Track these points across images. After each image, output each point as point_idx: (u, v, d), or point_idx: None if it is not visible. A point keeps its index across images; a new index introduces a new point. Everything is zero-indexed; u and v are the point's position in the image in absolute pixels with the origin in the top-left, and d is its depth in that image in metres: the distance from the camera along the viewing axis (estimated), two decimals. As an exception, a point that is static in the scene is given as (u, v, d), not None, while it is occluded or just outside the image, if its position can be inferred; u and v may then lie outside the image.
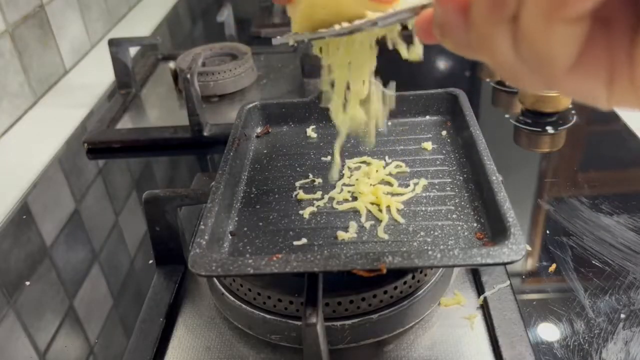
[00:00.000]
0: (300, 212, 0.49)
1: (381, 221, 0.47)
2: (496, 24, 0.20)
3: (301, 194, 0.51)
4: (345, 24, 0.34)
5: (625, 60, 0.18)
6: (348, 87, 0.42)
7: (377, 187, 0.49)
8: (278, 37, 0.39)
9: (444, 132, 0.59)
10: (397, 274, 0.43)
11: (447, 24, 0.23)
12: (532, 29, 0.18)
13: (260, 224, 0.48)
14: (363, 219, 0.47)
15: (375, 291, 0.43)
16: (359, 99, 0.42)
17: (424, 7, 0.28)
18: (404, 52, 0.37)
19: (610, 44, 0.18)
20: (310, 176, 0.53)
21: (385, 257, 0.38)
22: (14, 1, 0.90)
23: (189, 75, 0.74)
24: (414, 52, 0.37)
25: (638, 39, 0.18)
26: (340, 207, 0.48)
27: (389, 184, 0.51)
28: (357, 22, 0.34)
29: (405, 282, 0.44)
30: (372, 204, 0.48)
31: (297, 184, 0.52)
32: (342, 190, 0.50)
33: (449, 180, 0.51)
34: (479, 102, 0.85)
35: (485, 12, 0.20)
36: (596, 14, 0.17)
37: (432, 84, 0.62)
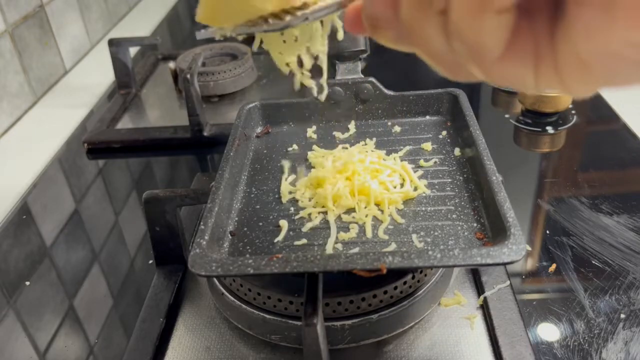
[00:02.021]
0: (300, 212, 0.49)
1: (382, 222, 0.47)
2: (425, 18, 0.20)
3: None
4: (273, 21, 0.33)
5: (547, 47, 0.19)
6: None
7: (381, 183, 0.49)
8: (202, 30, 0.37)
9: (444, 132, 0.59)
10: (397, 274, 0.43)
11: (377, 18, 0.23)
12: (462, 22, 0.19)
13: (260, 224, 0.48)
14: (362, 218, 0.47)
15: (375, 291, 0.43)
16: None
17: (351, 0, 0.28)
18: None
19: (533, 32, 0.19)
20: (310, 176, 0.53)
21: (385, 257, 0.38)
22: (14, 1, 0.90)
23: (189, 75, 0.74)
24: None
25: (557, 27, 0.19)
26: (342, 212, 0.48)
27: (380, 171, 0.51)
28: (288, 19, 0.33)
29: (405, 282, 0.44)
30: (376, 204, 0.48)
31: (297, 183, 0.52)
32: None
33: (449, 180, 0.51)
34: (479, 102, 0.85)
35: (414, 5, 0.20)
36: (519, 5, 0.18)
37: (432, 84, 0.62)
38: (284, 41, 0.39)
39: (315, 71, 0.41)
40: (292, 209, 0.49)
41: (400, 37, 0.22)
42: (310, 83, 0.41)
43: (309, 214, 0.48)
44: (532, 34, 0.19)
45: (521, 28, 0.19)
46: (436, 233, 0.45)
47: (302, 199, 0.50)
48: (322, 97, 0.42)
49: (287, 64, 0.41)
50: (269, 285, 0.44)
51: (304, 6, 0.33)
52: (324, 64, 0.40)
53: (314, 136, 0.61)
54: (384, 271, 0.38)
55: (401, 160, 0.54)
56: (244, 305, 0.45)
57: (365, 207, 0.48)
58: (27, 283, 0.57)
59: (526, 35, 0.19)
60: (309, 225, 0.47)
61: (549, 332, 0.47)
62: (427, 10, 0.20)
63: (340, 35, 0.39)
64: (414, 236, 0.45)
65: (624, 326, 0.47)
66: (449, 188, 0.50)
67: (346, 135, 0.60)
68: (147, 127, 0.83)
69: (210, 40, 0.97)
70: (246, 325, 0.46)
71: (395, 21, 0.22)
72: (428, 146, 0.56)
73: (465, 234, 0.45)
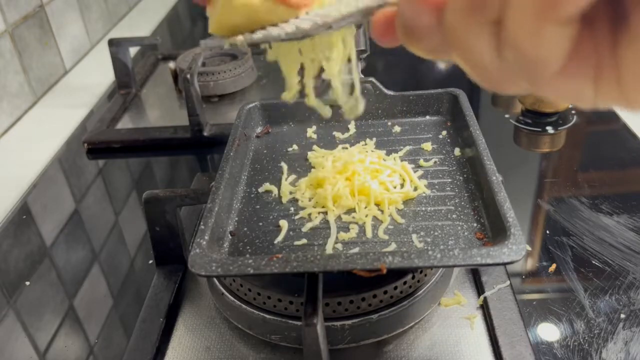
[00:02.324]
0: (300, 212, 0.49)
1: (382, 222, 0.47)
2: (475, 26, 0.19)
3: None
4: (290, 27, 0.30)
5: (610, 59, 0.18)
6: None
7: (381, 183, 0.49)
8: (207, 39, 0.36)
9: (444, 132, 0.59)
10: (397, 274, 0.43)
11: (417, 26, 0.21)
12: (520, 32, 0.18)
13: (260, 224, 0.48)
14: (361, 217, 0.47)
15: (375, 291, 0.43)
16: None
17: (380, 6, 0.26)
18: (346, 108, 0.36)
19: (595, 43, 0.18)
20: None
21: (385, 257, 0.38)
22: (14, 1, 0.90)
23: (189, 75, 0.74)
24: (356, 108, 0.36)
25: (620, 38, 0.17)
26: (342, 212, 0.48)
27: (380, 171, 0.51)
28: (305, 25, 0.30)
29: (405, 282, 0.44)
30: (376, 204, 0.48)
31: (297, 183, 0.52)
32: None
33: (449, 180, 0.51)
34: (479, 102, 0.85)
35: (463, 13, 0.19)
36: (582, 14, 0.17)
37: (432, 84, 0.62)
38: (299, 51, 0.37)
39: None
40: (292, 209, 0.49)
41: (439, 47, 0.21)
42: (316, 103, 0.38)
43: (309, 214, 0.48)
44: (593, 45, 0.18)
45: (583, 39, 0.18)
46: (436, 233, 0.45)
47: (302, 199, 0.50)
48: (357, 110, 0.38)
49: (299, 81, 0.38)
50: (269, 285, 0.44)
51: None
52: (355, 77, 0.37)
53: (314, 136, 0.61)
54: (384, 271, 0.38)
55: (401, 160, 0.54)
56: (244, 305, 0.45)
57: (365, 207, 0.48)
58: (27, 283, 0.57)
59: (587, 46, 0.18)
60: (309, 225, 0.47)
61: (549, 332, 0.47)
62: (477, 18, 0.18)
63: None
64: (414, 236, 0.45)
65: (624, 326, 0.47)
66: (449, 188, 0.50)
67: (346, 135, 0.60)
68: (147, 127, 0.83)
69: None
70: (246, 325, 0.46)
71: (436, 29, 0.20)
72: (428, 146, 0.56)
73: (465, 234, 0.45)
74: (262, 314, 0.44)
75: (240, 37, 0.33)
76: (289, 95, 0.38)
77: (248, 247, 0.46)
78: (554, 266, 0.53)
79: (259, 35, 0.32)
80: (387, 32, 0.24)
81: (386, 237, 0.45)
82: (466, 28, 0.19)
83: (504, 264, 0.41)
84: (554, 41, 0.17)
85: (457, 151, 0.55)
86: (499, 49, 0.19)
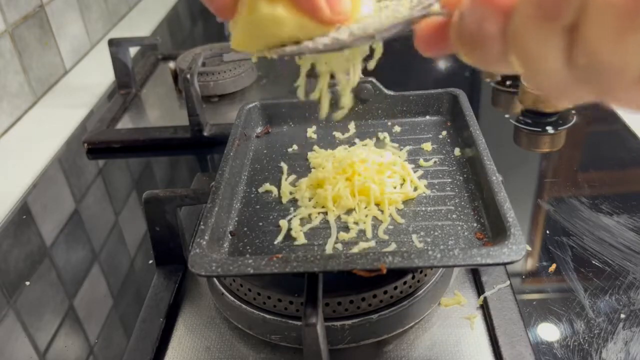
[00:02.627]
0: (300, 212, 0.49)
1: (382, 222, 0.47)
2: (547, 33, 0.18)
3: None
4: (326, 40, 0.29)
5: None
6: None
7: (381, 183, 0.49)
8: (232, 52, 0.35)
9: (444, 132, 0.59)
10: (397, 274, 0.43)
11: (479, 33, 0.20)
12: (599, 39, 0.17)
13: (260, 224, 0.48)
14: (362, 217, 0.47)
15: (375, 291, 0.43)
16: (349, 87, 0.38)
17: (424, 16, 0.25)
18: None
19: None
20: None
21: (385, 257, 0.38)
22: (14, 1, 0.90)
23: (189, 75, 0.74)
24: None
25: None
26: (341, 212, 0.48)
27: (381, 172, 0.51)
28: (344, 36, 0.29)
29: (405, 282, 0.44)
30: (376, 204, 0.48)
31: (297, 183, 0.52)
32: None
33: (449, 180, 0.51)
34: (479, 102, 0.85)
35: (534, 19, 0.18)
36: None
37: (432, 84, 0.62)
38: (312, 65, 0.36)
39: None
40: (292, 209, 0.49)
41: (500, 55, 0.20)
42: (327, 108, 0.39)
43: (309, 214, 0.48)
44: None
45: None
46: (436, 233, 0.45)
47: (302, 199, 0.50)
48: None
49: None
50: (269, 285, 0.44)
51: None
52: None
53: (314, 136, 0.61)
54: (384, 271, 0.38)
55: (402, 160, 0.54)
56: (244, 305, 0.45)
57: (365, 208, 0.48)
58: (27, 283, 0.57)
59: None
60: (309, 225, 0.47)
61: (549, 332, 0.47)
62: (549, 24, 0.18)
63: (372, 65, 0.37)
64: (414, 236, 0.45)
65: (624, 326, 0.47)
66: (449, 188, 0.50)
67: (346, 135, 0.60)
68: (147, 127, 0.83)
69: (211, 40, 0.97)
70: (246, 325, 0.46)
71: (499, 36, 0.19)
72: (428, 146, 0.56)
73: (465, 234, 0.45)
74: (262, 314, 0.44)
75: (272, 50, 0.31)
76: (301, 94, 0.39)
77: (248, 247, 0.46)
78: (554, 266, 0.53)
79: (292, 48, 0.30)
80: (435, 42, 0.23)
81: (386, 237, 0.45)
82: (536, 35, 0.18)
83: (504, 264, 0.41)
84: (635, 49, 0.17)
85: (457, 151, 0.55)
86: (571, 56, 0.18)
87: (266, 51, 0.31)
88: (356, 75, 0.37)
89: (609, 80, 0.18)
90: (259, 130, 0.62)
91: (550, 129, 0.75)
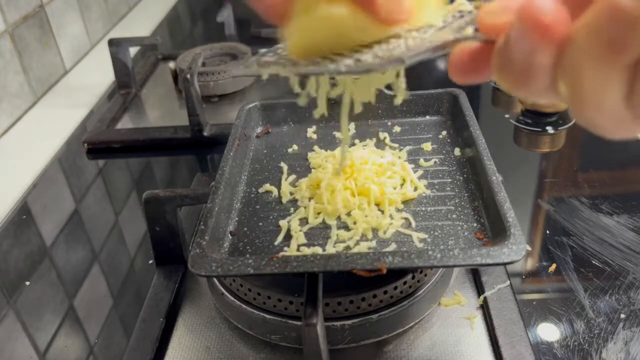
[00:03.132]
0: (300, 212, 0.49)
1: (381, 222, 0.46)
2: (608, 69, 0.16)
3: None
4: (349, 61, 0.26)
5: None
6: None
7: (381, 184, 0.49)
8: (240, 68, 0.33)
9: (444, 132, 0.59)
10: (397, 274, 0.43)
11: (528, 64, 0.18)
12: None
13: (260, 224, 0.48)
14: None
15: (375, 291, 0.43)
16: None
17: (457, 40, 0.23)
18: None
19: None
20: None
21: (385, 257, 0.38)
22: (14, 1, 0.90)
23: (189, 75, 0.74)
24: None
25: None
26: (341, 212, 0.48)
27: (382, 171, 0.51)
28: (369, 58, 0.26)
29: (405, 282, 0.44)
30: (376, 204, 0.48)
31: (297, 183, 0.52)
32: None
33: (449, 180, 0.51)
34: (479, 102, 0.85)
35: (596, 53, 0.16)
36: None
37: (432, 84, 0.62)
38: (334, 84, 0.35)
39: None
40: (292, 209, 0.49)
41: (548, 88, 0.18)
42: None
43: (309, 215, 0.48)
44: None
45: None
46: (436, 233, 0.45)
47: (302, 200, 0.50)
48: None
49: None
50: (269, 285, 0.44)
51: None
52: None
53: (314, 136, 0.61)
54: (384, 271, 0.38)
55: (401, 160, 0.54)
56: (244, 305, 0.45)
57: (365, 208, 0.48)
58: (27, 283, 0.57)
59: None
60: (308, 225, 0.47)
61: (549, 332, 0.47)
62: (613, 60, 0.16)
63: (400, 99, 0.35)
64: (414, 236, 0.45)
65: (624, 326, 0.47)
66: (449, 188, 0.50)
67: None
68: (147, 127, 0.83)
69: (211, 40, 0.97)
70: (246, 325, 0.46)
71: (551, 70, 0.18)
72: (428, 146, 0.56)
73: (465, 234, 0.45)
74: (262, 314, 0.44)
75: (289, 69, 0.29)
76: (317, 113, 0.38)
77: (248, 247, 0.46)
78: (554, 266, 0.53)
79: (312, 67, 0.28)
80: (471, 69, 0.22)
81: (386, 237, 0.45)
82: (596, 69, 0.17)
83: (504, 264, 0.41)
84: None
85: (457, 151, 0.55)
86: (632, 93, 0.17)
87: (282, 69, 0.29)
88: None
89: None
90: (259, 130, 0.62)
91: (550, 129, 0.75)
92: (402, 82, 0.34)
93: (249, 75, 0.31)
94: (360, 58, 0.26)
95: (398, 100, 0.35)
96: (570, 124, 0.76)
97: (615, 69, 0.16)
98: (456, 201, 0.48)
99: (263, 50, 0.33)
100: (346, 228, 0.46)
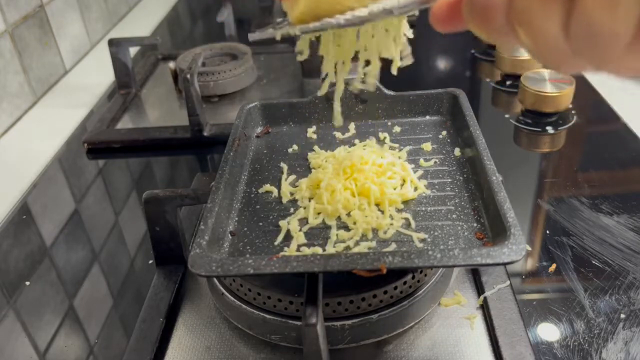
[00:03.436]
0: (300, 212, 0.49)
1: (381, 222, 0.46)
2: (547, 4, 0.20)
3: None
4: (349, 14, 0.31)
5: None
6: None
7: (381, 184, 0.49)
8: (256, 32, 0.37)
9: (444, 132, 0.59)
10: (397, 274, 0.43)
11: (488, 7, 0.22)
12: (593, 9, 0.18)
13: (260, 224, 0.48)
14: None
15: (375, 291, 0.43)
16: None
17: None
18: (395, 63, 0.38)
19: None
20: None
21: (385, 257, 0.38)
22: (14, 1, 0.90)
23: (189, 75, 0.74)
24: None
25: None
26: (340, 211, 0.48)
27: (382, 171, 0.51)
28: (364, 12, 0.31)
29: (405, 282, 0.44)
30: (376, 204, 0.48)
31: (297, 183, 0.52)
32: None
33: (449, 180, 0.51)
34: (479, 102, 0.85)
35: None
36: None
37: (432, 84, 0.62)
38: (338, 45, 0.39)
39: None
40: (292, 209, 0.49)
41: (506, 28, 0.22)
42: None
43: (309, 215, 0.48)
44: None
45: None
46: (436, 233, 0.45)
47: (302, 200, 0.50)
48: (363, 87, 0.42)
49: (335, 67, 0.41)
50: (269, 285, 0.44)
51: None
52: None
53: (314, 136, 0.61)
54: (384, 271, 0.38)
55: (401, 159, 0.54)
56: (244, 305, 0.45)
57: (366, 208, 0.48)
58: (27, 283, 0.57)
59: None
60: (308, 225, 0.47)
61: (549, 332, 0.47)
62: None
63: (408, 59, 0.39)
64: (414, 236, 0.45)
65: (624, 326, 0.47)
66: (449, 188, 0.50)
67: (346, 135, 0.60)
68: (147, 127, 0.83)
69: (211, 40, 0.97)
70: (246, 325, 0.46)
71: (505, 9, 0.21)
72: (428, 146, 0.56)
73: (465, 234, 0.45)
74: (262, 314, 0.44)
75: (296, 28, 0.33)
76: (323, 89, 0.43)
77: (248, 247, 0.46)
78: (554, 266, 0.53)
79: (315, 24, 0.32)
80: (449, 18, 0.25)
81: (386, 237, 0.45)
82: (537, 8, 0.20)
83: (504, 264, 0.41)
84: (627, 15, 0.18)
85: (457, 151, 0.55)
86: (569, 26, 0.20)
87: (290, 28, 0.33)
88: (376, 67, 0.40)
89: (604, 48, 0.19)
90: (259, 130, 0.62)
91: (550, 129, 0.75)
92: (403, 42, 0.39)
93: (265, 38, 0.35)
94: (357, 13, 0.31)
95: (405, 63, 0.39)
96: (570, 124, 0.76)
97: (552, 6, 0.19)
98: (456, 201, 0.48)
99: (278, 20, 0.37)
100: (346, 228, 0.46)
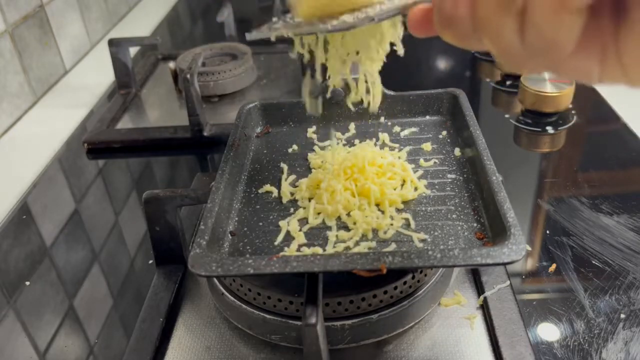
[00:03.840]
0: (300, 212, 0.49)
1: (382, 222, 0.46)
2: (504, 16, 0.22)
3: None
4: (335, 22, 0.35)
5: (612, 43, 0.21)
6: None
7: (381, 184, 0.49)
8: (253, 31, 0.39)
9: (444, 132, 0.59)
10: (397, 274, 0.43)
11: (453, 16, 0.24)
12: (542, 20, 0.21)
13: (261, 224, 0.48)
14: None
15: (375, 291, 0.43)
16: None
17: (415, 3, 0.30)
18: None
19: (600, 29, 0.21)
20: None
21: (385, 257, 0.38)
22: (14, 1, 0.90)
23: (189, 75, 0.74)
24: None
25: (621, 25, 0.21)
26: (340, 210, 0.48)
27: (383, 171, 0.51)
28: (349, 19, 0.34)
29: (405, 282, 0.44)
30: (376, 204, 0.48)
31: (297, 183, 0.52)
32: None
33: (449, 180, 0.51)
34: (479, 102, 0.85)
35: (492, 6, 0.22)
36: (590, 6, 0.21)
37: (432, 84, 0.62)
38: (327, 49, 0.43)
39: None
40: (292, 209, 0.49)
41: (471, 35, 0.24)
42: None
43: (309, 215, 0.48)
44: (599, 33, 0.21)
45: (590, 25, 0.21)
46: (436, 233, 0.45)
47: (302, 200, 0.50)
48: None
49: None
50: (269, 285, 0.44)
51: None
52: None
53: (314, 136, 0.61)
54: (384, 271, 0.38)
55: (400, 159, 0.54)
56: (244, 305, 0.45)
57: (366, 208, 0.48)
58: (27, 283, 0.57)
59: (594, 33, 0.21)
60: (308, 225, 0.47)
61: (549, 332, 0.47)
62: (506, 9, 0.22)
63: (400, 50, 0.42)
64: (414, 236, 0.45)
65: (624, 326, 0.47)
66: (449, 188, 0.50)
67: (346, 135, 0.60)
68: (147, 127, 0.83)
69: (211, 40, 0.97)
70: (246, 325, 0.46)
71: (469, 19, 0.24)
72: (428, 146, 0.56)
73: (465, 234, 0.45)
74: (262, 314, 0.44)
75: (289, 30, 0.36)
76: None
77: (248, 247, 0.46)
78: (554, 266, 0.53)
79: (308, 27, 0.36)
80: (423, 24, 0.29)
81: (386, 237, 0.45)
82: (496, 17, 0.23)
83: (504, 264, 0.41)
84: (568, 27, 0.21)
85: (457, 151, 0.55)
86: (523, 34, 0.22)
87: (284, 30, 0.37)
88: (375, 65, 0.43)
89: (552, 53, 0.22)
90: (259, 130, 0.62)
91: (550, 129, 0.75)
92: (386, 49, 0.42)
93: (261, 37, 0.38)
94: (344, 19, 0.34)
95: (400, 51, 0.42)
96: (570, 124, 0.76)
97: (508, 16, 0.22)
98: (456, 201, 0.48)
99: (274, 19, 0.40)
100: (346, 228, 0.46)
